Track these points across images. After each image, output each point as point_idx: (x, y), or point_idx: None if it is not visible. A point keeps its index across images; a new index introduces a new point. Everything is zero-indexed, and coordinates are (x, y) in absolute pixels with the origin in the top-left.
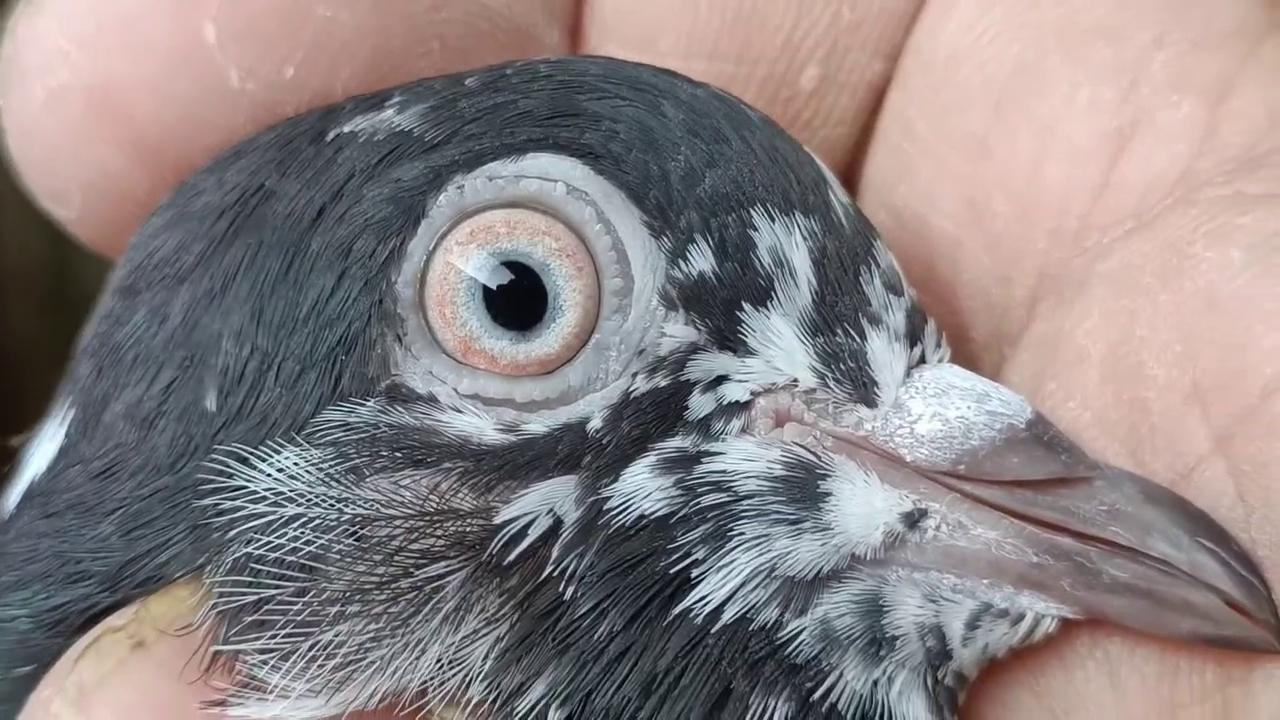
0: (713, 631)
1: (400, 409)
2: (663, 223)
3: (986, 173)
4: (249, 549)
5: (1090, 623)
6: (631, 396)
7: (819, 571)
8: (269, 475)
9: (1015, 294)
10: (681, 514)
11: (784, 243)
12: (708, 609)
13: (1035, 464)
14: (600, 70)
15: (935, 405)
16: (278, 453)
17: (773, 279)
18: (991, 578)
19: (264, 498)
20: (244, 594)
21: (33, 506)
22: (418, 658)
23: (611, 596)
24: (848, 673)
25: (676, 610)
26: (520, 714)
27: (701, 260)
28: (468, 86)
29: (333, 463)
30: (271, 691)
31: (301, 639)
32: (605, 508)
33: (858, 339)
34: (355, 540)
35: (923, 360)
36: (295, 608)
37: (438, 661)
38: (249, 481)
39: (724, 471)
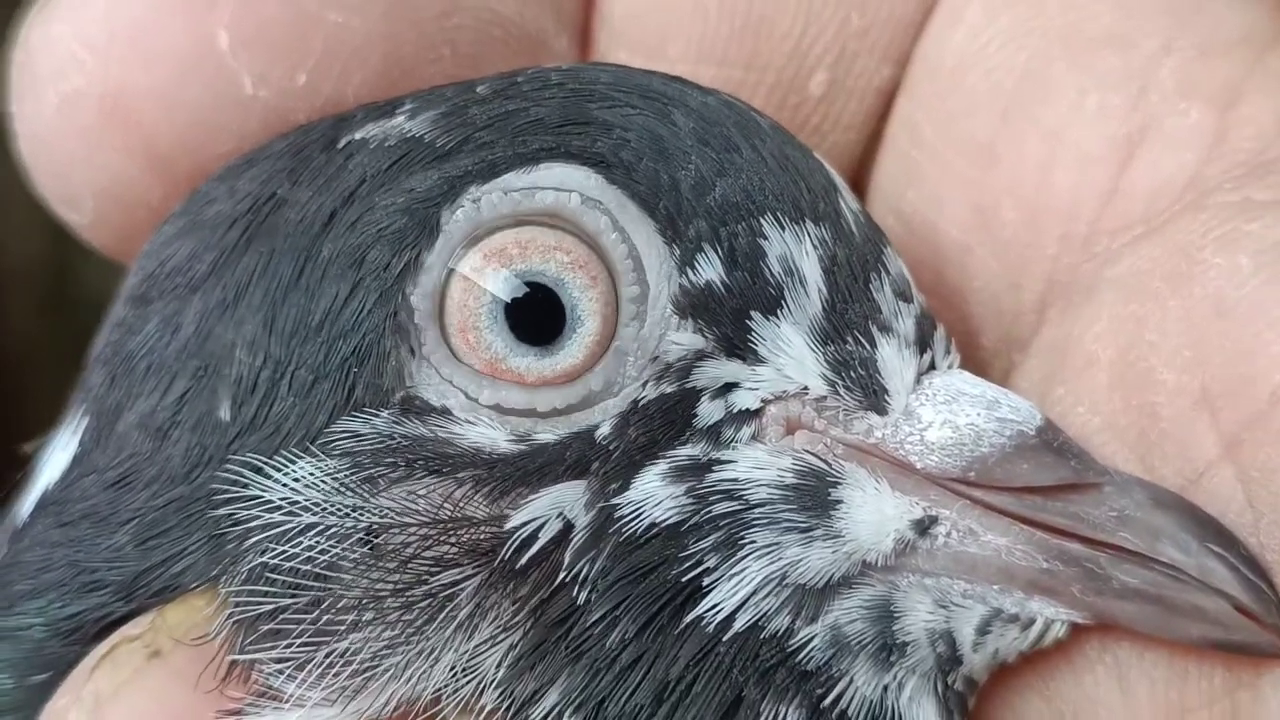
0: (724, 639)
1: (415, 420)
2: (672, 231)
3: (995, 179)
4: (264, 558)
5: (1100, 627)
6: (639, 403)
7: (830, 579)
8: (283, 485)
9: (1024, 300)
10: (693, 522)
11: (794, 251)
12: (719, 617)
13: (1045, 470)
14: (611, 78)
15: (945, 412)
16: (292, 462)
17: (783, 287)
18: (1002, 583)
19: (279, 507)
20: (259, 603)
21: (47, 515)
22: (432, 665)
23: (624, 604)
24: (858, 679)
25: (688, 618)
26: None
27: (709, 269)
28: (479, 94)
29: (347, 472)
30: (287, 700)
31: (317, 647)
32: (616, 515)
33: (868, 346)
34: (369, 549)
35: (932, 367)
36: (310, 616)
37: (451, 669)
38: (264, 491)
39: (735, 479)
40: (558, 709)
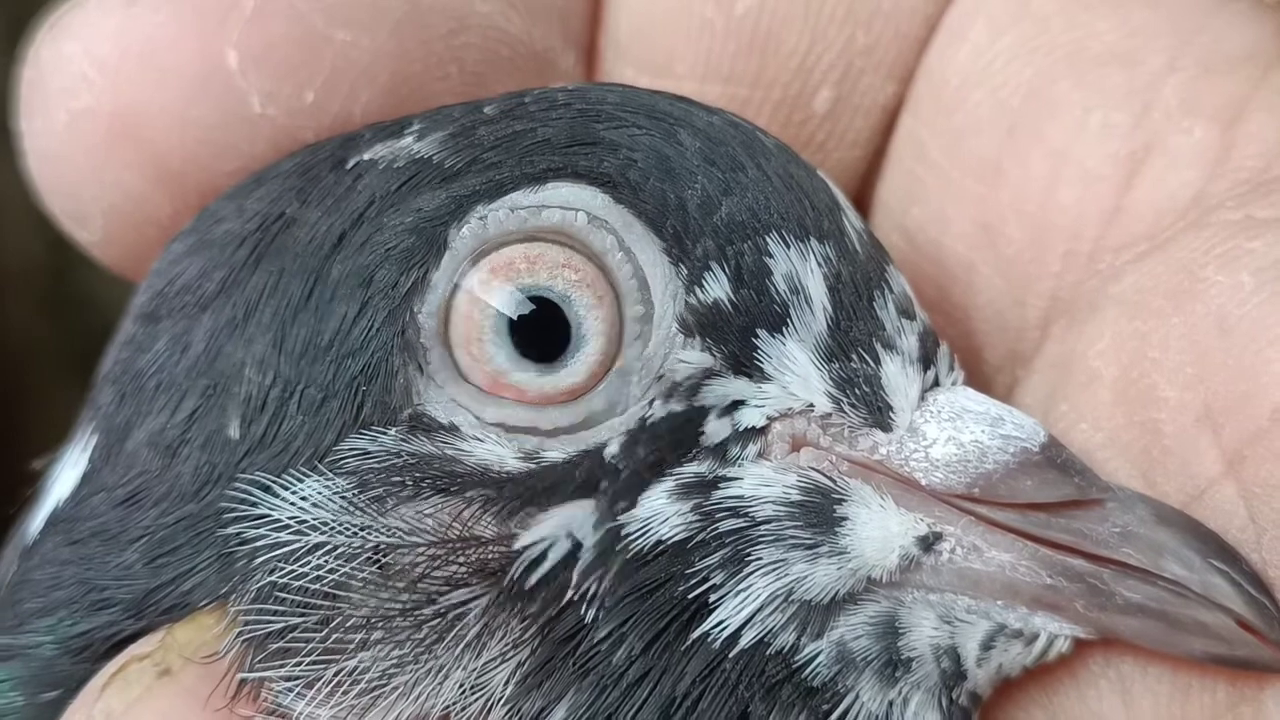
0: (730, 656)
1: (422, 438)
2: (679, 251)
3: (999, 196)
4: (273, 577)
5: (1103, 643)
6: (648, 422)
7: (835, 595)
8: (292, 504)
9: (1028, 316)
10: (699, 539)
11: (799, 269)
12: (725, 633)
13: (1049, 487)
14: (618, 98)
15: (950, 429)
16: (301, 481)
17: (788, 305)
18: (1006, 599)
19: (287, 526)
20: (269, 622)
21: (56, 533)
22: (441, 683)
23: (630, 621)
24: (863, 694)
25: (695, 634)
26: None
27: (717, 288)
28: (486, 114)
29: (355, 491)
30: (296, 718)
31: (326, 666)
32: (624, 532)
33: (872, 364)
34: (378, 568)
35: (936, 383)
36: (320, 635)
37: (460, 687)
38: (272, 510)
39: (741, 497)
40: None
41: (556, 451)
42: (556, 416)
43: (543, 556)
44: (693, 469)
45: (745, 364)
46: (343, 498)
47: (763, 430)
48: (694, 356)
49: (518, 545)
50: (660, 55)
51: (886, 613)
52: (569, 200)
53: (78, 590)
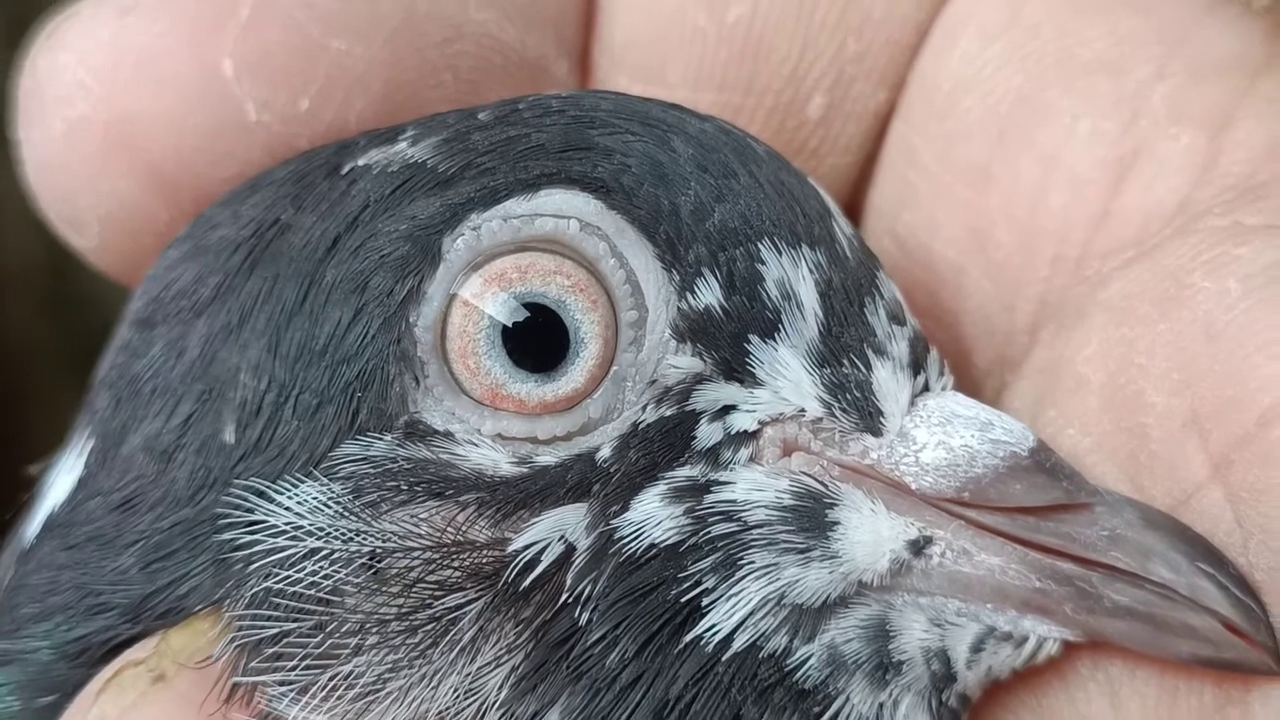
0: (723, 659)
1: (418, 444)
2: (672, 256)
3: (989, 201)
4: (268, 583)
5: (1092, 645)
6: (639, 427)
7: (827, 599)
8: (288, 509)
9: (1017, 321)
10: (691, 543)
11: (791, 275)
12: (718, 637)
13: (1037, 491)
14: (611, 105)
15: (940, 434)
16: (296, 486)
17: (780, 311)
18: (995, 602)
19: (283, 531)
20: (263, 627)
21: (53, 538)
22: (435, 688)
23: (624, 624)
24: (854, 697)
25: (687, 638)
26: None
27: (708, 293)
28: (480, 120)
29: (350, 496)
30: None
31: (320, 671)
32: (616, 536)
33: (863, 369)
34: (373, 573)
35: (926, 389)
36: (314, 640)
37: (454, 691)
38: (268, 516)
39: (733, 501)
40: None
41: (549, 456)
42: (553, 425)
43: (536, 559)
44: (685, 473)
45: (737, 369)
46: (338, 503)
47: (754, 435)
48: (685, 362)
49: (511, 549)
50: (653, 63)
51: (877, 616)
52: (561, 208)
53: (74, 595)
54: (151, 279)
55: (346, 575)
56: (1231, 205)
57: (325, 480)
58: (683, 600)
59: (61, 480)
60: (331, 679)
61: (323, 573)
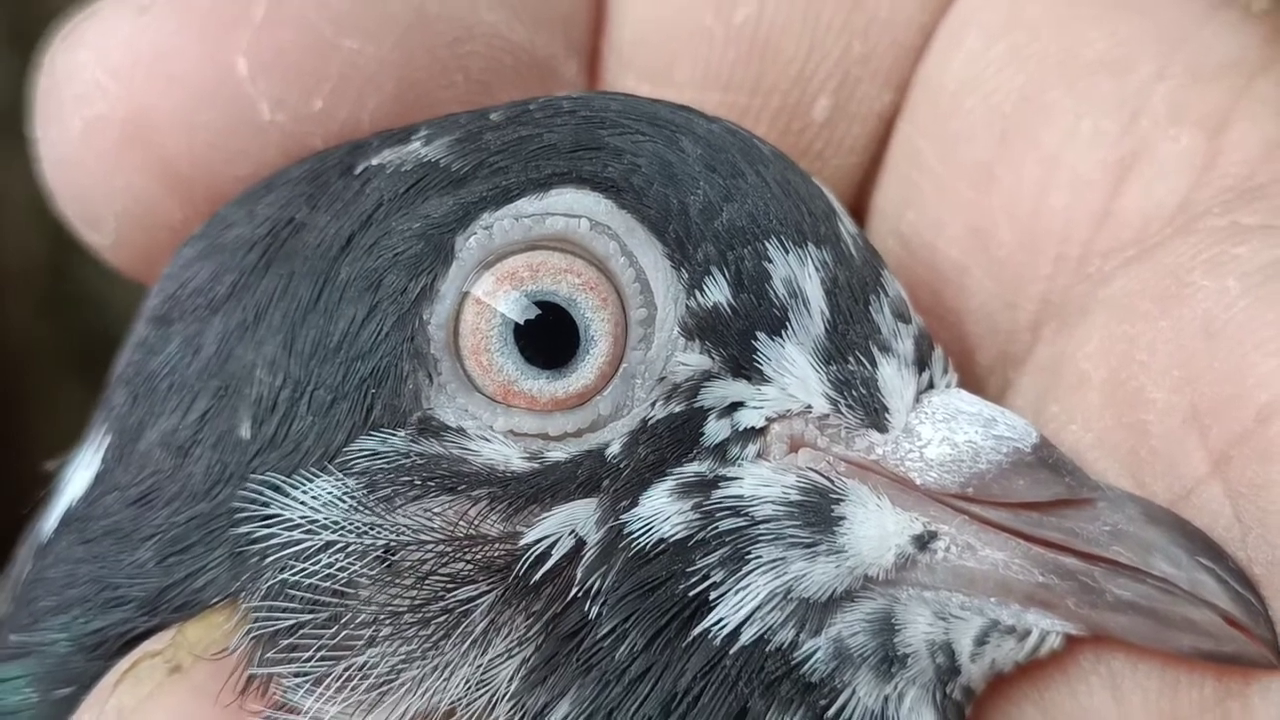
0: (731, 652)
1: (431, 439)
2: (681, 255)
3: (992, 201)
4: (284, 575)
5: (1094, 639)
6: (649, 423)
7: (833, 593)
8: (303, 503)
9: (1020, 319)
10: (699, 537)
11: (798, 274)
12: (725, 630)
13: (1040, 486)
14: (621, 106)
15: (944, 430)
16: (311, 481)
17: (787, 309)
18: (999, 596)
19: (298, 525)
20: (279, 619)
21: (70, 532)
22: (447, 679)
23: (633, 618)
24: (860, 690)
25: (695, 631)
26: None
27: (717, 292)
28: (492, 120)
29: (365, 491)
30: (305, 714)
31: (335, 662)
32: (626, 530)
33: (869, 366)
34: (387, 566)
35: (931, 385)
36: (329, 632)
37: (466, 683)
38: (283, 509)
39: (741, 496)
40: None
41: (560, 451)
42: (564, 422)
43: (547, 553)
44: (693, 468)
45: (744, 366)
46: (352, 497)
47: (762, 431)
48: (694, 359)
49: (523, 542)
50: (661, 63)
51: (883, 610)
52: (572, 207)
53: (91, 588)
54: (168, 277)
55: (361, 568)
56: (1230, 205)
57: (340, 475)
58: (691, 594)
59: (79, 475)
60: (346, 670)
61: (338, 565)
